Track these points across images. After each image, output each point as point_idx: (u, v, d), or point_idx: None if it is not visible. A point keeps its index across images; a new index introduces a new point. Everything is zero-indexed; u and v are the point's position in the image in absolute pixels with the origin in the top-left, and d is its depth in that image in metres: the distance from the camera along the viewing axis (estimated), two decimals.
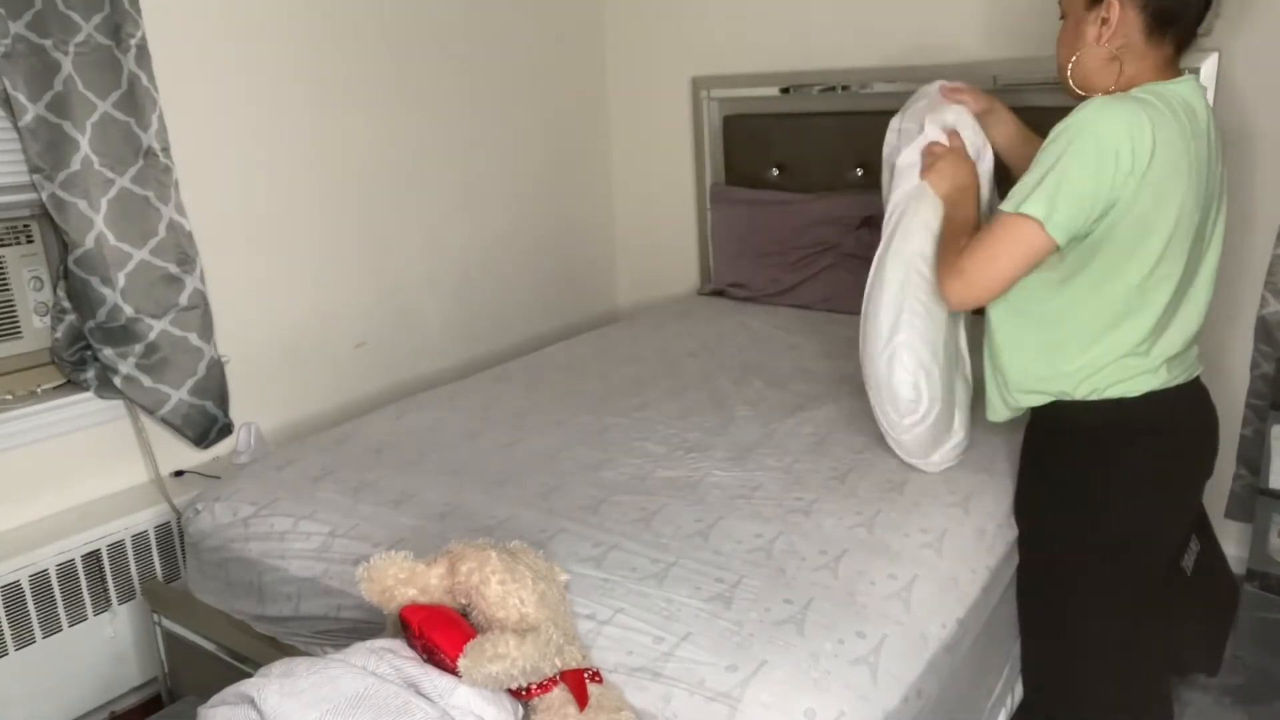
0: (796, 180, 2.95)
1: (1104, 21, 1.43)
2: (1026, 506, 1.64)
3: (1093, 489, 1.52)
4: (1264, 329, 2.26)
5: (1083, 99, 1.45)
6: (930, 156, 1.67)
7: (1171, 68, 1.46)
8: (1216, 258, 1.54)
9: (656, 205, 3.39)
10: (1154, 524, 1.53)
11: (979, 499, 1.64)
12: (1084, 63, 1.47)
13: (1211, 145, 1.46)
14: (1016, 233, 1.40)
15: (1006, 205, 1.41)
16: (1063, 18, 1.54)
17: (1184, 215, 1.40)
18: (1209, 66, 2.21)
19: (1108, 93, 1.43)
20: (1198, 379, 1.57)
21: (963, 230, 1.56)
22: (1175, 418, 1.53)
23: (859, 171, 2.81)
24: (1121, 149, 1.32)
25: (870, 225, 2.70)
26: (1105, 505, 1.52)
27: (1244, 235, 2.29)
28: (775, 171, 2.99)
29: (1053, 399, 1.54)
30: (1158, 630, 1.63)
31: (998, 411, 1.64)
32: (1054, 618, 1.61)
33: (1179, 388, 1.51)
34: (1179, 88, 1.42)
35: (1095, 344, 1.48)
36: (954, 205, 1.62)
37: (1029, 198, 1.37)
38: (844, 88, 2.81)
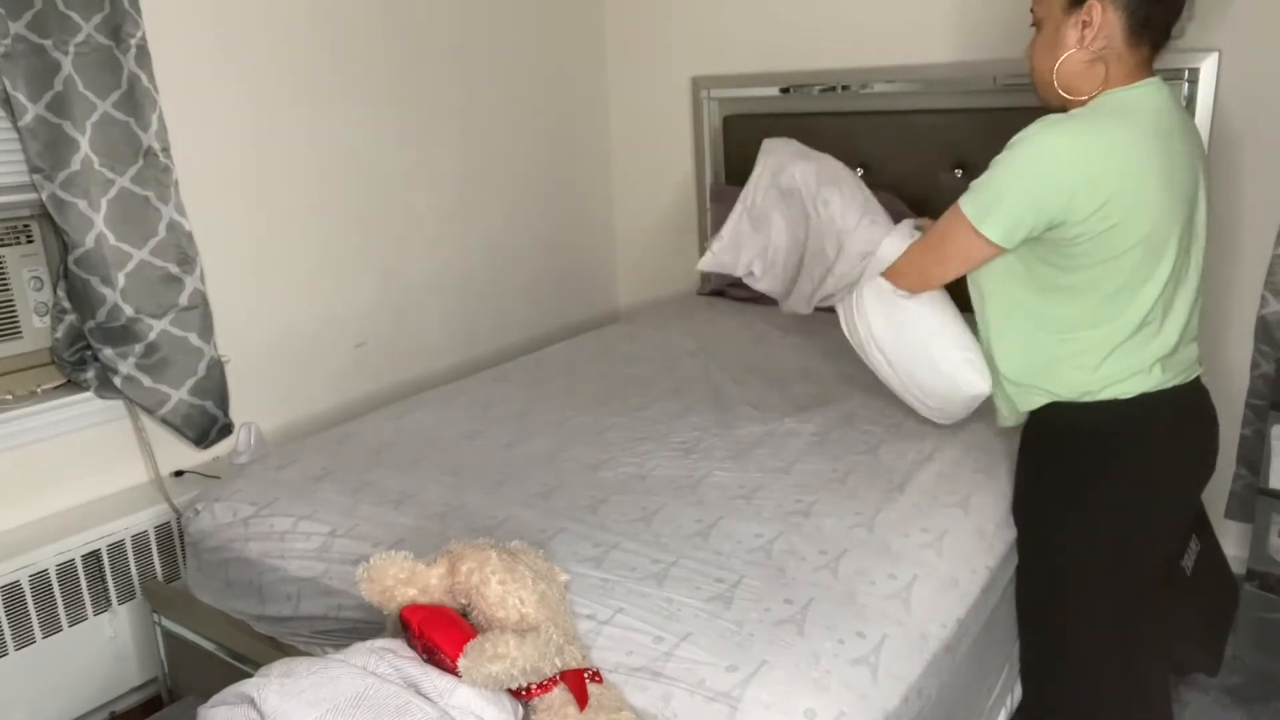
0: None
1: (1085, 24, 1.44)
2: (1024, 509, 1.64)
3: (1089, 491, 1.52)
4: (1264, 329, 2.26)
5: (1064, 104, 1.49)
6: None
7: (1147, 69, 1.47)
8: (1202, 253, 1.54)
9: (656, 205, 3.40)
10: (1151, 525, 1.53)
11: (979, 499, 1.64)
12: (1067, 67, 1.47)
13: (1188, 142, 1.47)
14: (966, 240, 1.48)
15: (962, 198, 1.47)
16: (1034, 25, 1.55)
17: (1159, 217, 1.41)
18: (1209, 66, 2.21)
19: (1091, 97, 1.46)
20: (1197, 380, 1.57)
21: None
22: (1171, 419, 1.52)
23: (859, 171, 2.81)
24: (1062, 173, 1.37)
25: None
26: (1102, 507, 1.52)
27: (1244, 235, 2.29)
28: None
29: (1049, 400, 1.55)
30: (1158, 630, 1.63)
31: (1005, 418, 1.67)
32: (1053, 619, 1.61)
33: (1175, 389, 1.51)
34: (1141, 90, 1.44)
35: (1084, 347, 1.49)
36: None
37: (971, 197, 1.46)
38: (844, 88, 2.81)
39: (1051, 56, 1.49)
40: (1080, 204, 1.37)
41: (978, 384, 1.66)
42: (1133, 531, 1.52)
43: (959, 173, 2.61)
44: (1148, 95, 1.44)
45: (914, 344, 1.69)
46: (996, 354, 1.60)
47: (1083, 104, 1.47)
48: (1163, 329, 1.49)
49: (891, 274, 1.65)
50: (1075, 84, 1.48)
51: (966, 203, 1.46)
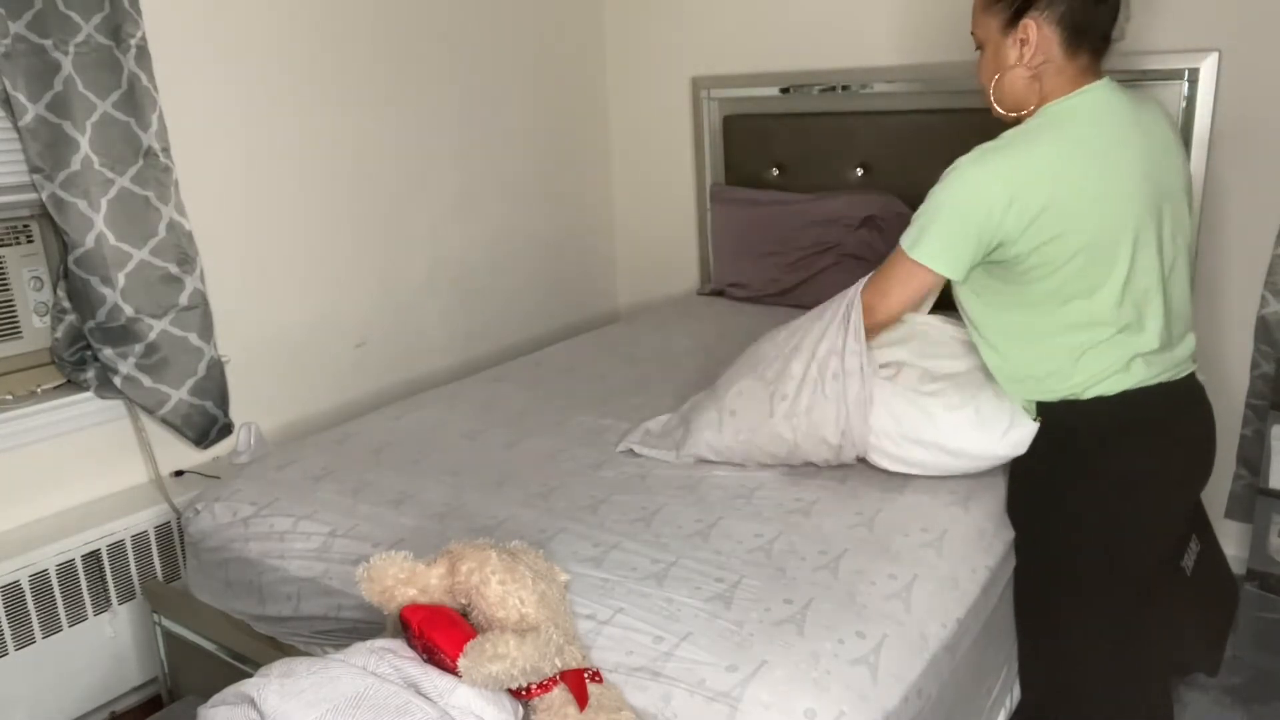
0: (796, 180, 2.95)
1: (1023, 42, 1.48)
2: (1018, 509, 1.65)
3: (1079, 490, 1.53)
4: (1264, 329, 2.26)
5: (1012, 119, 1.54)
6: None
7: (1090, 74, 1.50)
8: (1187, 249, 1.55)
9: (656, 205, 3.40)
10: (1143, 522, 1.53)
11: (979, 499, 1.64)
12: (1006, 84, 1.53)
13: (1149, 137, 1.49)
14: (902, 268, 1.54)
15: (902, 237, 1.54)
16: (979, 48, 1.58)
17: (1103, 223, 1.43)
18: (1209, 66, 2.21)
19: (1034, 109, 1.52)
20: (1190, 377, 1.57)
21: None
22: (1160, 415, 1.53)
23: (859, 171, 2.82)
24: (985, 201, 1.42)
25: (870, 225, 2.71)
26: (1092, 505, 1.52)
27: (1244, 235, 2.29)
28: (775, 171, 2.99)
29: (1039, 399, 1.57)
30: (1157, 630, 1.63)
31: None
32: (1050, 620, 1.61)
33: (1163, 385, 1.51)
34: (1084, 97, 1.47)
35: (1055, 353, 1.52)
36: None
37: (906, 234, 1.52)
38: (844, 88, 2.81)
39: (992, 74, 1.55)
40: (1011, 225, 1.43)
41: (979, 442, 1.62)
42: (1124, 529, 1.52)
43: None
44: (1093, 100, 1.47)
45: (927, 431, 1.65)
46: (991, 366, 1.62)
47: (1030, 115, 1.51)
48: (1142, 327, 1.50)
49: (866, 324, 1.63)
50: (1018, 99, 1.54)
51: (904, 237, 1.53)
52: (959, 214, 1.45)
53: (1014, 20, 1.48)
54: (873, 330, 1.64)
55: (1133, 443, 1.51)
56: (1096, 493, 1.52)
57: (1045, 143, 1.43)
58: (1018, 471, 1.65)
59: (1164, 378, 1.52)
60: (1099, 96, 1.48)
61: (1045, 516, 1.58)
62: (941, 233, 1.47)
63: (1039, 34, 1.47)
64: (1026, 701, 1.69)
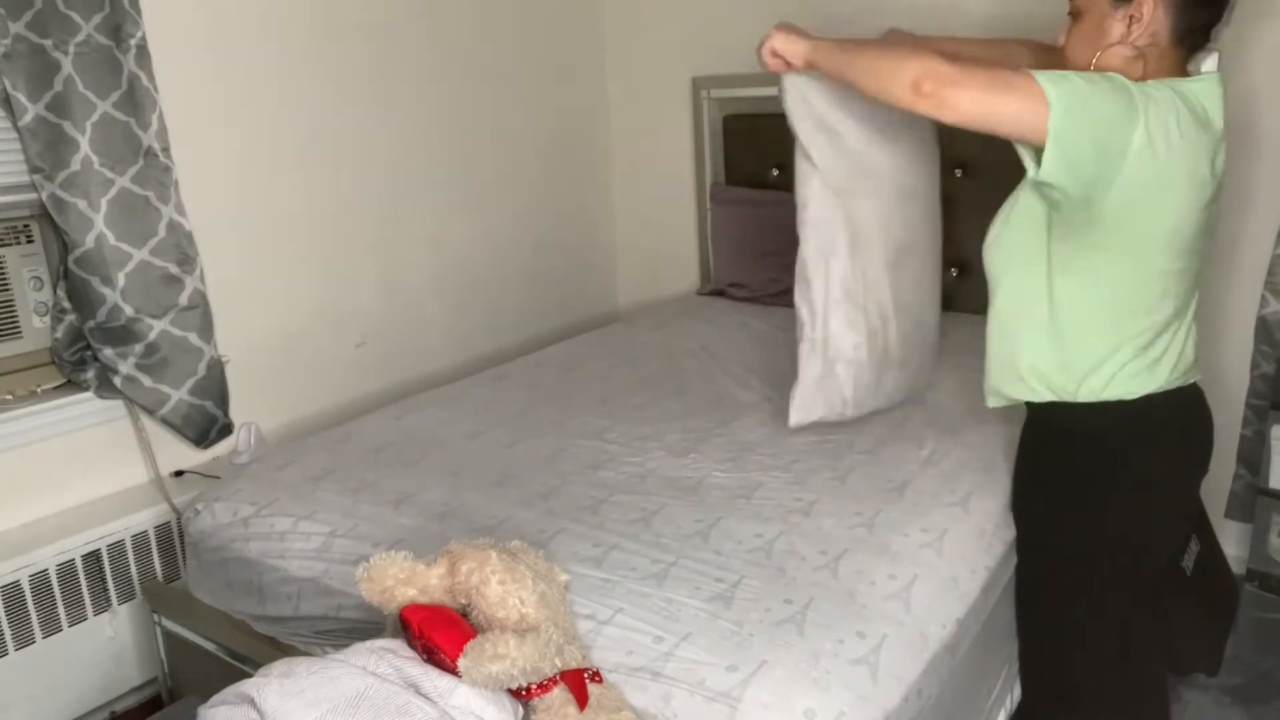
0: None
1: (1134, 19, 1.41)
2: (1023, 509, 1.64)
3: (1090, 492, 1.51)
4: (1264, 329, 2.26)
5: None
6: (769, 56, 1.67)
7: (1181, 69, 1.46)
8: (1205, 256, 1.53)
9: (656, 205, 3.39)
10: (1151, 526, 1.52)
11: (979, 499, 1.64)
12: (1107, 60, 1.44)
13: (1218, 144, 1.44)
14: (1023, 89, 1.31)
15: (1037, 73, 1.33)
16: (1071, 14, 1.51)
17: (1188, 211, 1.38)
18: (1209, 66, 2.21)
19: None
20: (1195, 385, 1.56)
21: (864, 52, 1.50)
22: (1174, 421, 1.51)
23: None
24: (1152, 124, 1.30)
25: None
26: (1102, 508, 1.51)
27: (1244, 235, 2.29)
28: (775, 171, 2.99)
29: (1053, 399, 1.52)
30: (1157, 630, 1.63)
31: (993, 400, 1.62)
32: (1052, 619, 1.60)
33: (1178, 391, 1.50)
34: (1195, 86, 1.40)
35: (1094, 341, 1.46)
36: (826, 59, 1.58)
37: (1056, 82, 1.30)
38: None
39: (1091, 48, 1.45)
40: (1143, 158, 1.31)
41: None
42: (1134, 535, 1.51)
43: (959, 173, 2.61)
44: (1202, 91, 1.40)
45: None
46: (1006, 345, 1.55)
47: None
48: (1177, 330, 1.47)
49: (904, 72, 1.38)
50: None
51: (1050, 85, 1.30)
52: (1109, 119, 1.30)
53: None
54: (942, 103, 1.35)
55: (1149, 448, 1.49)
56: (1110, 496, 1.49)
57: (1181, 103, 1.34)
58: (1026, 472, 1.63)
59: (1179, 383, 1.49)
60: (1210, 88, 1.41)
61: (1053, 518, 1.56)
62: (1082, 105, 1.30)
63: (1153, 14, 1.39)
64: (1027, 700, 1.69)
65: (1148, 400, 1.47)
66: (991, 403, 1.62)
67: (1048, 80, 1.31)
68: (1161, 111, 1.32)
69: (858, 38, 1.69)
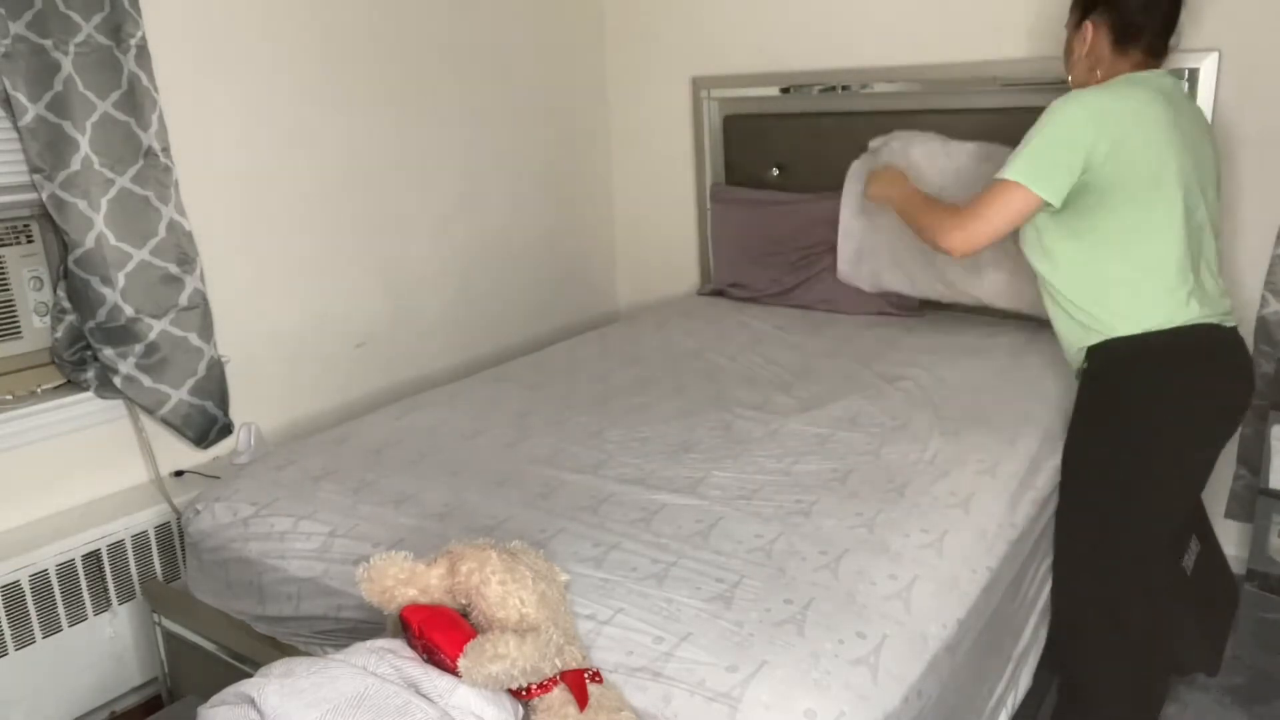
0: (796, 180, 2.95)
1: (1083, 39, 1.82)
2: (1072, 445, 1.81)
3: (1128, 415, 1.70)
4: (1264, 329, 2.26)
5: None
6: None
7: (1145, 69, 1.78)
8: (1218, 215, 1.80)
9: (656, 205, 3.39)
10: (1198, 437, 1.71)
11: (979, 499, 1.64)
12: (1074, 69, 1.89)
13: (1195, 118, 1.78)
14: (1002, 193, 1.72)
15: (998, 173, 1.74)
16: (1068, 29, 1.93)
17: (1175, 167, 1.66)
18: (1209, 66, 2.21)
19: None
20: (1234, 329, 1.74)
21: (919, 200, 2.01)
22: (1204, 352, 1.70)
23: None
24: (1083, 125, 1.66)
25: None
26: (1140, 427, 1.69)
27: (1244, 235, 2.29)
28: (775, 171, 2.99)
29: (1103, 339, 1.74)
30: (1157, 630, 1.63)
31: (1071, 358, 1.87)
32: (1101, 534, 1.74)
33: (1210, 326, 1.69)
34: (1152, 75, 1.76)
35: (1124, 282, 1.70)
36: (894, 195, 2.13)
37: (1011, 165, 1.71)
38: (844, 88, 2.81)
39: (1070, 62, 1.91)
40: (1098, 151, 1.65)
41: None
42: (1186, 440, 1.70)
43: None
44: (1156, 75, 1.76)
45: None
46: (1060, 327, 1.83)
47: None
48: (1195, 268, 1.71)
49: (935, 232, 1.84)
50: (1081, 82, 1.86)
51: (1002, 170, 1.72)
52: (1053, 142, 1.68)
53: (1079, 22, 1.84)
54: (965, 249, 1.79)
55: (1180, 373, 1.69)
56: (1148, 417, 1.69)
57: (1121, 96, 1.68)
58: (1079, 414, 1.81)
59: (1210, 319, 1.70)
60: (1166, 77, 1.78)
61: (1096, 449, 1.75)
62: (1038, 159, 1.69)
63: (1094, 35, 1.80)
64: (1058, 619, 1.83)
65: (1178, 331, 1.68)
66: (1074, 365, 1.88)
67: (1001, 173, 1.72)
68: (1100, 94, 1.69)
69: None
